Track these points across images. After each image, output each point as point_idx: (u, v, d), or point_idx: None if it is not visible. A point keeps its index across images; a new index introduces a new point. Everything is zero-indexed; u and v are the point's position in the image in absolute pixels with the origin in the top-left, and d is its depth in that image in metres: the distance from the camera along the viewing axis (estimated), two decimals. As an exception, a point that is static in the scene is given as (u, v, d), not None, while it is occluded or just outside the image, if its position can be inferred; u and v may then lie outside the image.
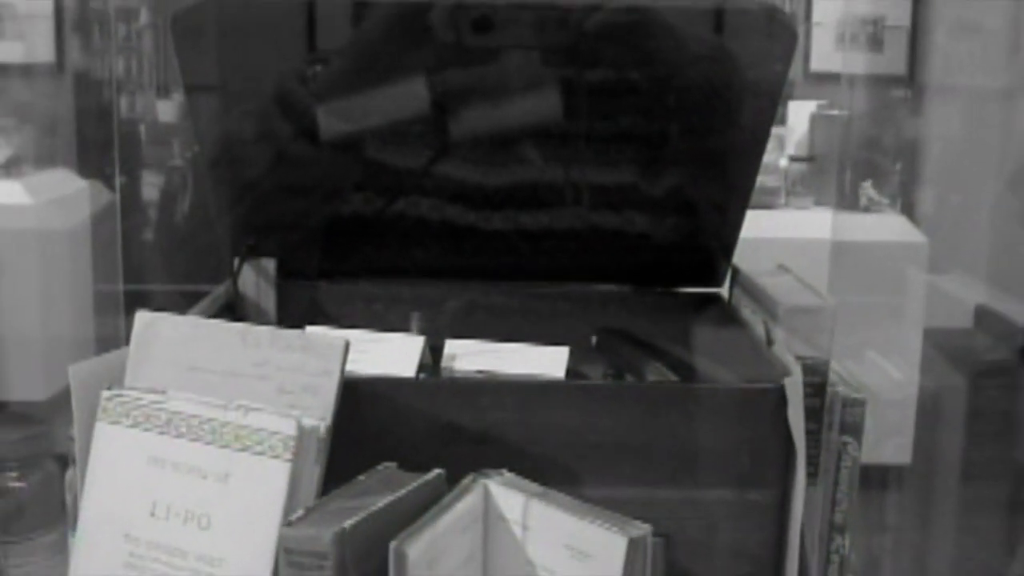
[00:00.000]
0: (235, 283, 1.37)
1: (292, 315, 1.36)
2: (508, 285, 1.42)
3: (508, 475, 0.98)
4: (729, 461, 1.05)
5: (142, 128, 4.19)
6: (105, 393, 0.99)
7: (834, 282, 2.90)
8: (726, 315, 1.37)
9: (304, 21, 1.25)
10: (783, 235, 3.04)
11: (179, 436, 0.97)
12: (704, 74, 1.27)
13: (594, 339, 1.35)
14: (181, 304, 1.18)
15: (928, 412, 2.76)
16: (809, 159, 3.57)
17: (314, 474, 0.95)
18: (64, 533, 1.06)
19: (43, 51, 3.91)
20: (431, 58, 1.26)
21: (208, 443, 0.96)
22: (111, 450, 0.99)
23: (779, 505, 1.05)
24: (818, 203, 3.53)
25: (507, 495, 0.96)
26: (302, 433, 0.94)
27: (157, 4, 4.16)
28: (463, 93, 1.29)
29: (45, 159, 3.73)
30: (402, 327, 1.33)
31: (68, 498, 1.07)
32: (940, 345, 2.80)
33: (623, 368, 1.30)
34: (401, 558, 0.86)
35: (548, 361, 1.22)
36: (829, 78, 4.01)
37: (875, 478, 2.67)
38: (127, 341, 1.03)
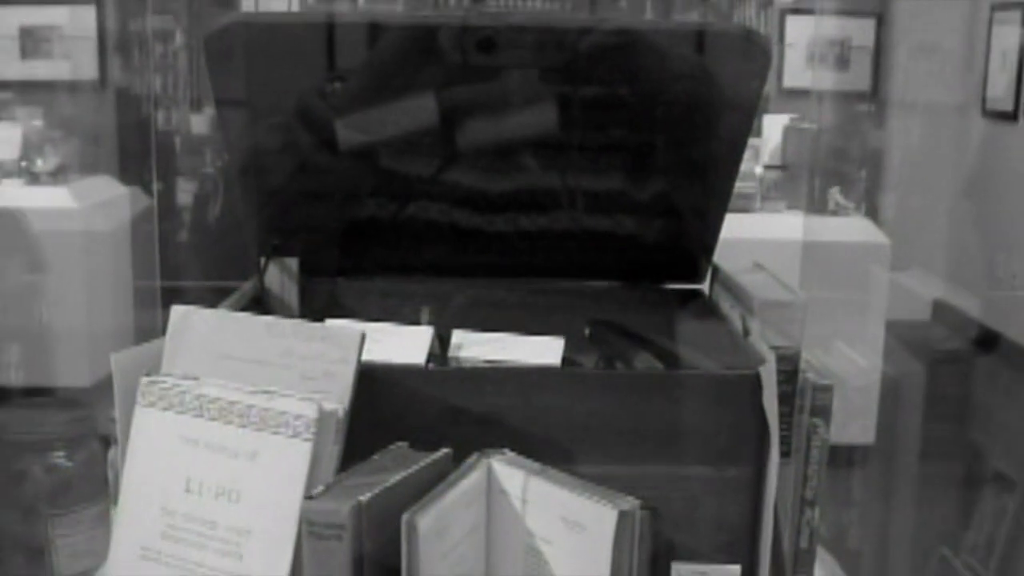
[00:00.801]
0: (262, 280, 1.37)
1: (313, 309, 1.36)
2: (509, 281, 1.42)
3: (509, 454, 0.98)
4: (710, 441, 1.05)
5: (177, 139, 4.18)
6: (144, 379, 0.99)
7: (805, 279, 2.91)
8: (707, 309, 1.37)
9: (324, 42, 1.25)
10: (758, 236, 3.04)
11: (211, 418, 0.97)
12: (687, 90, 1.27)
13: (587, 330, 1.34)
14: (212, 299, 1.18)
15: (890, 397, 2.76)
16: (782, 167, 3.57)
17: (333, 453, 0.95)
18: (107, 506, 1.06)
19: (87, 69, 3.91)
20: (439, 76, 1.26)
21: (237, 425, 0.96)
22: (149, 431, 0.99)
23: (755, 481, 1.05)
24: (790, 207, 3.53)
25: (508, 472, 0.96)
26: (322, 416, 0.94)
27: (191, 26, 4.16)
28: (468, 107, 1.29)
29: (89, 167, 3.73)
30: (413, 320, 1.33)
31: (110, 475, 1.07)
32: (901, 336, 2.80)
33: (614, 357, 1.30)
34: (412, 529, 0.86)
35: (545, 350, 1.22)
36: (800, 94, 4.01)
37: (842, 456, 2.67)
38: (164, 332, 1.03)
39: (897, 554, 2.61)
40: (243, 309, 1.23)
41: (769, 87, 3.83)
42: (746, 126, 1.29)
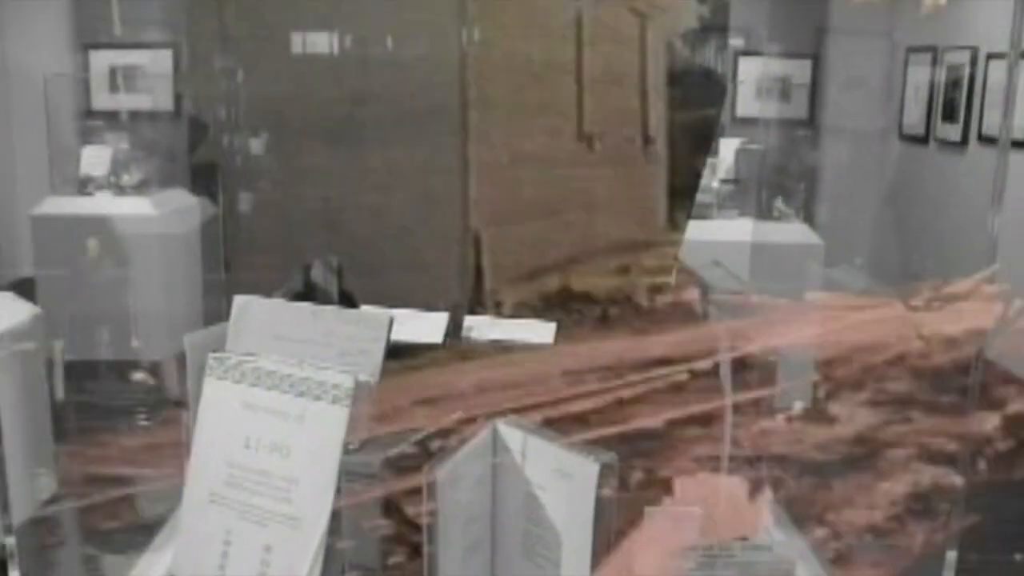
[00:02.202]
0: (308, 274, 1.37)
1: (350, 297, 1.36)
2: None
3: (511, 416, 0.98)
4: (675, 406, 1.04)
5: (238, 159, 4.18)
6: (211, 355, 0.99)
7: (753, 273, 2.90)
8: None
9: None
10: (716, 238, 3.03)
11: (266, 388, 0.97)
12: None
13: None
14: (268, 289, 1.18)
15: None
16: (735, 181, 3.57)
17: (366, 416, 0.95)
18: (180, 461, 1.06)
19: (164, 101, 3.92)
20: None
21: (288, 393, 0.96)
22: (216, 398, 0.98)
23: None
24: (741, 214, 3.52)
25: (510, 432, 0.96)
26: (357, 386, 0.94)
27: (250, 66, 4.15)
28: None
29: (167, 181, 3.73)
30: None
31: (183, 434, 1.07)
32: (832, 321, 2.79)
33: (596, 337, 1.30)
34: (431, 478, 0.86)
35: (541, 333, 1.22)
36: (750, 121, 4.01)
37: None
38: (228, 317, 1.03)
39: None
40: (293, 298, 1.23)
41: (724, 116, 3.83)
42: (705, 147, 1.29)
